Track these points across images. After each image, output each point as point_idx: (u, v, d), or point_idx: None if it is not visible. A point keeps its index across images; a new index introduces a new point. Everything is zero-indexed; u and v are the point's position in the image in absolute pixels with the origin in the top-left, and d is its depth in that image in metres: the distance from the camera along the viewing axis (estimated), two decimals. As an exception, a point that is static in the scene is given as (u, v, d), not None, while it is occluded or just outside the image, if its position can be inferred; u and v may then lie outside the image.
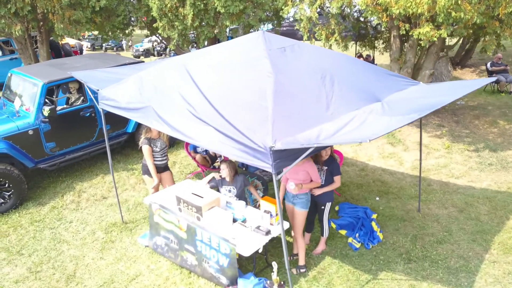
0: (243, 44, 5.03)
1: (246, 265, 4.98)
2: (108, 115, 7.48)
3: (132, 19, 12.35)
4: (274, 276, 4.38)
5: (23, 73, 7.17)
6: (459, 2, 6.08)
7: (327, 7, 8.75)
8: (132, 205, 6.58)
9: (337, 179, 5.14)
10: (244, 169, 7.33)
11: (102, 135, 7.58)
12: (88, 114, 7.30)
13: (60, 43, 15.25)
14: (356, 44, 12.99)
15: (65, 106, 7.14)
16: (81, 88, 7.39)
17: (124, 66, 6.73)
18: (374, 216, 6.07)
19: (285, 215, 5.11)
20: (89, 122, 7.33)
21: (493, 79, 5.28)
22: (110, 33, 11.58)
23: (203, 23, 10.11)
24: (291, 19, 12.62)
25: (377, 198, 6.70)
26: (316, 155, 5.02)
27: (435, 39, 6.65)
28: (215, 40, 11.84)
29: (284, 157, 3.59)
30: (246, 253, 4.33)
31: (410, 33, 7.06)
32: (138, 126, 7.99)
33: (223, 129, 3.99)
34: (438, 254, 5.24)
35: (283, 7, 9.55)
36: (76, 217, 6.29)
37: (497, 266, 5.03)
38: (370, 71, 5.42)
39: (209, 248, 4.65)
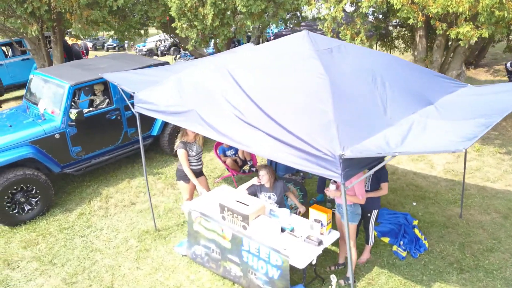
0: (287, 45, 4.81)
1: (291, 275, 4.75)
2: (132, 118, 7.29)
3: (145, 18, 12.07)
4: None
5: (48, 74, 6.91)
6: (504, 0, 5.87)
7: (357, 6, 8.50)
8: (163, 212, 6.34)
9: (385, 186, 4.92)
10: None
11: (127, 138, 7.36)
12: (114, 117, 7.07)
13: (70, 43, 15.04)
14: (376, 44, 12.77)
15: (91, 109, 6.90)
16: (106, 90, 7.16)
17: (151, 68, 6.51)
18: (416, 222, 5.85)
19: (334, 223, 4.89)
20: (114, 125, 7.10)
21: None
22: (126, 33, 11.33)
23: (225, 22, 9.88)
24: (309, 18, 12.39)
25: (414, 203, 6.48)
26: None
27: (475, 39, 6.44)
28: (231, 41, 11.63)
29: (353, 165, 3.36)
30: (301, 265, 4.11)
31: (447, 33, 6.82)
32: (163, 129, 7.76)
33: (277, 134, 3.78)
34: (491, 264, 5.01)
35: (305, 6, 9.34)
36: (106, 224, 6.06)
37: (554, 276, 4.81)
38: (416, 71, 5.20)
39: (257, 259, 4.42)
